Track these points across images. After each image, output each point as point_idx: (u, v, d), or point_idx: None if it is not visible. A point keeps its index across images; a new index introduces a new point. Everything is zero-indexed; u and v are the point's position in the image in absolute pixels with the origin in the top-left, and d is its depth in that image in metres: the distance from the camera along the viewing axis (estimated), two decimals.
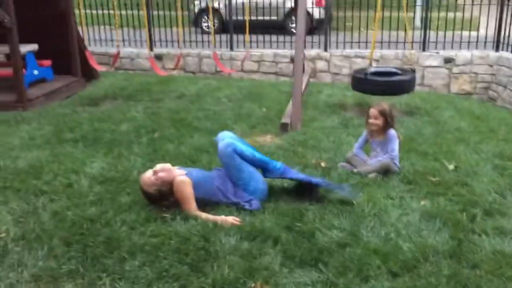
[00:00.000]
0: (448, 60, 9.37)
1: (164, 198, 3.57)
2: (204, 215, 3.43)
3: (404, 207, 3.62)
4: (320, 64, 9.88)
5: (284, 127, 5.65)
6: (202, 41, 10.60)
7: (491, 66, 9.23)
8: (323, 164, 4.49)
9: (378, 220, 3.40)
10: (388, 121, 4.30)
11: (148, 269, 2.87)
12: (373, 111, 4.33)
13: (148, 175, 3.60)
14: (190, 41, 10.60)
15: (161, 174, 3.56)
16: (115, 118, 6.28)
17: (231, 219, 3.34)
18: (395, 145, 4.32)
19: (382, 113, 4.28)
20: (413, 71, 6.62)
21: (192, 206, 3.48)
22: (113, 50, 10.78)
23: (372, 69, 6.61)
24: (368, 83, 6.34)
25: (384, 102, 4.54)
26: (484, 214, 3.53)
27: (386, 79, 6.36)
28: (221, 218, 3.35)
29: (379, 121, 4.30)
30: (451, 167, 4.44)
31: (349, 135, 5.46)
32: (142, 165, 4.48)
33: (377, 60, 9.50)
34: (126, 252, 3.02)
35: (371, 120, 4.34)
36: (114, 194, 3.88)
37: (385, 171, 4.24)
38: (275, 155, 4.75)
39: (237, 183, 3.64)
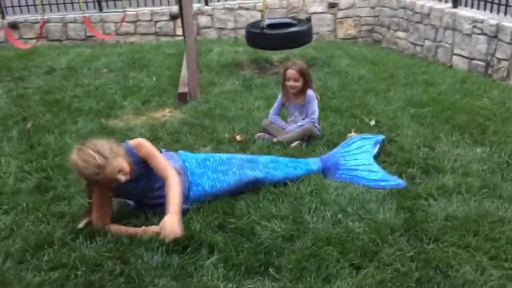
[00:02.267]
0: (332, 5, 9.20)
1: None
2: (113, 227, 2.73)
3: None
4: (203, 20, 9.15)
5: (183, 98, 4.99)
6: (64, 3, 9.24)
7: (373, 8, 9.25)
8: (238, 138, 3.97)
9: (318, 198, 2.99)
10: (307, 81, 3.86)
11: None
12: (291, 73, 3.83)
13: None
14: (50, 4, 9.17)
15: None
16: None
17: (151, 230, 2.67)
18: (315, 106, 3.92)
19: (302, 73, 3.81)
20: (309, 20, 6.24)
21: (99, 212, 2.75)
22: None
23: (267, 22, 6.12)
24: (266, 38, 5.84)
25: (299, 60, 4.09)
26: (422, 173, 3.31)
27: (284, 31, 5.91)
28: (141, 230, 2.67)
29: (299, 83, 3.84)
30: (372, 123, 4.18)
31: (256, 99, 4.97)
32: (18, 168, 3.58)
33: (261, 10, 9.01)
34: None
35: (290, 83, 3.85)
36: None
37: (308, 137, 3.84)
38: (181, 133, 4.11)
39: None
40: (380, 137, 3.66)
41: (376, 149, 3.51)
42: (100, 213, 2.74)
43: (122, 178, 2.61)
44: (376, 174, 3.23)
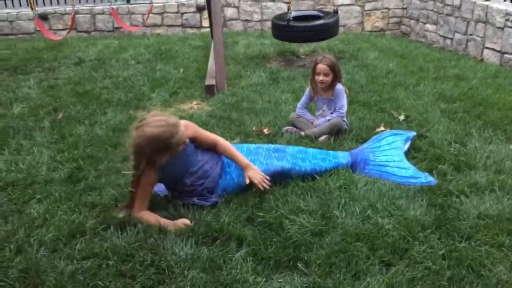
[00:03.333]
0: None
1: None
2: (150, 214, 2.76)
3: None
4: (229, 12, 9.14)
5: (210, 90, 5.00)
6: None
7: (401, 0, 9.09)
8: (266, 131, 3.96)
9: (347, 194, 2.97)
10: (337, 76, 3.82)
11: None
12: (322, 67, 3.79)
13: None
14: None
15: None
16: (2, 98, 5.20)
17: (181, 222, 2.71)
18: (344, 101, 3.89)
19: (332, 68, 3.77)
20: (336, 12, 6.19)
21: (142, 200, 2.79)
22: None
23: (294, 14, 6.09)
24: (291, 30, 5.83)
25: (329, 54, 4.04)
26: (453, 170, 3.25)
27: (311, 24, 5.88)
28: (172, 223, 2.70)
29: (329, 78, 3.80)
30: (401, 117, 4.12)
31: (284, 92, 4.95)
32: (50, 158, 3.64)
33: (287, 2, 8.96)
34: None
35: (320, 78, 3.82)
36: (21, 203, 3.07)
37: (336, 131, 3.81)
38: (208, 125, 4.13)
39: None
40: (412, 133, 3.60)
41: (407, 145, 3.46)
42: (142, 201, 2.79)
43: (187, 139, 2.79)
44: (406, 170, 3.18)
